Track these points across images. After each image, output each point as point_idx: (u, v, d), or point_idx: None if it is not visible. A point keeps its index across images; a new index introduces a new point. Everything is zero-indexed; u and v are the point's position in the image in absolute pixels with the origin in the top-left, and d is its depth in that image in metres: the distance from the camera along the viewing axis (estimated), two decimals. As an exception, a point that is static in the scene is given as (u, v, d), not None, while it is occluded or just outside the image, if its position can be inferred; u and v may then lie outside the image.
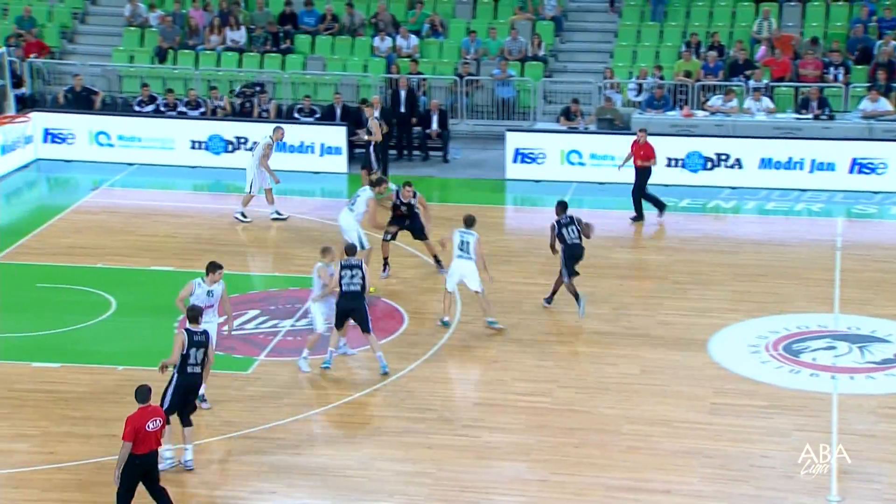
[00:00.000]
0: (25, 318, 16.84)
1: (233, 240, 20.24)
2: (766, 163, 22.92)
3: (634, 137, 21.16)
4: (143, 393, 11.76)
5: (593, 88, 25.55)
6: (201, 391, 13.69)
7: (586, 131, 23.96)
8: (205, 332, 13.10)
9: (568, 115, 24.35)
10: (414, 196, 18.18)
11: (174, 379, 12.94)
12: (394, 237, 18.29)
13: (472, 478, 13.07)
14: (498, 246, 19.86)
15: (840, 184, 22.62)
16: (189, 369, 12.95)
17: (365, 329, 15.25)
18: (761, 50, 25.79)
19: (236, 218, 20.73)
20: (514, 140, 23.55)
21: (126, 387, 14.80)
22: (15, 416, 14.15)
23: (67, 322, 16.69)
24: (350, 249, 15.47)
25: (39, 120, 24.03)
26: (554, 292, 17.34)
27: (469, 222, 16.67)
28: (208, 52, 26.80)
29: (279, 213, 20.84)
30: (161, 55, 26.81)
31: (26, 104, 24.99)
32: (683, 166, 23.05)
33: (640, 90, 25.19)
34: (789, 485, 12.92)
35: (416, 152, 24.88)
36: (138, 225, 20.78)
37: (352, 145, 23.90)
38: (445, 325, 16.72)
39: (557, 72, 26.72)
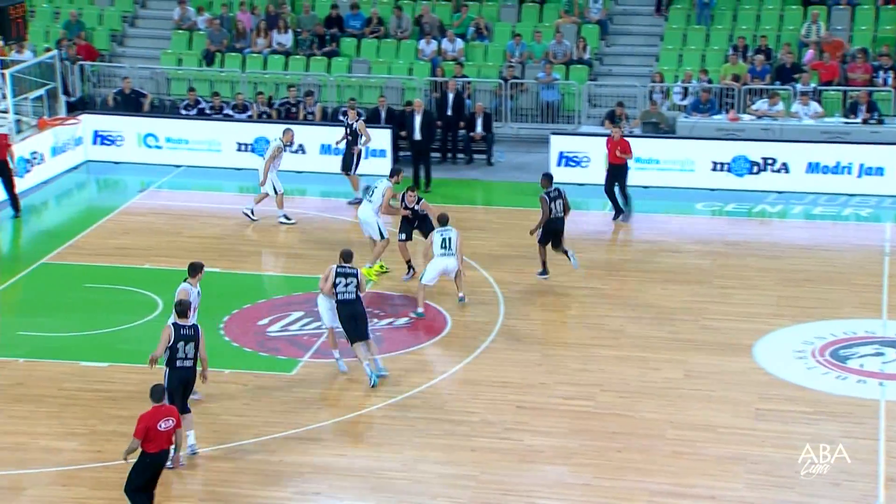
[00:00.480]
0: (74, 317, 17.04)
1: (277, 241, 20.37)
2: (813, 167, 22.70)
3: (609, 135, 21.25)
4: (157, 392, 11.93)
5: (638, 92, 25.43)
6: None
7: (631, 135, 23.84)
8: (193, 327, 13.22)
9: (612, 118, 24.24)
10: (418, 202, 18.22)
11: (166, 374, 13.10)
12: (409, 237, 18.32)
13: (514, 481, 13.05)
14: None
15: (889, 188, 22.34)
16: (178, 363, 13.06)
17: (364, 335, 15.05)
18: (808, 53, 25.55)
19: (281, 222, 20.83)
20: (559, 143, 23.49)
21: (172, 386, 14.96)
22: (64, 415, 14.32)
23: (115, 322, 16.87)
24: (347, 256, 15.34)
25: (89, 122, 24.31)
26: (544, 263, 18.19)
27: (444, 220, 17.25)
28: (255, 54, 26.99)
29: (288, 218, 20.77)
30: (208, 58, 27.04)
31: (76, 106, 25.29)
32: (729, 170, 22.89)
33: (685, 94, 25.05)
34: (836, 492, 12.78)
35: (460, 155, 24.89)
36: (185, 226, 20.97)
37: (396, 148, 23.96)
38: (420, 315, 16.94)
39: (602, 75, 26.63)
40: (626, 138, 21.25)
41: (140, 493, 11.91)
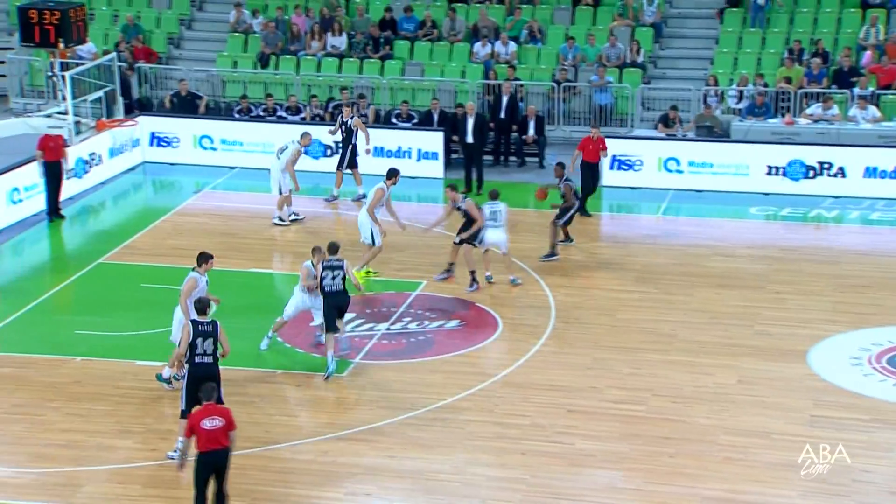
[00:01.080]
0: (130, 317, 17.25)
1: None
2: (870, 172, 22.40)
3: (588, 136, 21.49)
4: (206, 391, 12.00)
5: (692, 95, 25.25)
6: (166, 373, 14.03)
7: (685, 138, 23.70)
8: (212, 323, 13.33)
9: (666, 122, 24.11)
10: (463, 201, 18.21)
11: (186, 370, 13.21)
12: (463, 241, 18.22)
13: (565, 485, 13.02)
14: (592, 253, 19.77)
15: (948, 194, 22.02)
16: (197, 359, 13.17)
17: (338, 328, 15.48)
18: (866, 56, 25.21)
19: (274, 223, 20.81)
20: (612, 147, 23.36)
21: (226, 386, 15.08)
22: (119, 413, 14.50)
23: (170, 322, 17.01)
24: (333, 248, 15.71)
25: (146, 124, 24.61)
26: (559, 241, 19.24)
27: (495, 195, 18.18)
28: (309, 57, 27.16)
29: (282, 220, 20.90)
30: (263, 60, 27.25)
31: (133, 108, 25.59)
32: (785, 175, 22.65)
33: (740, 97, 24.83)
34: (893, 501, 12.59)
35: (512, 158, 24.87)
36: (239, 227, 21.15)
37: (448, 151, 24.01)
38: (488, 280, 18.06)
39: (656, 78, 26.48)
40: (604, 138, 21.73)
41: (199, 492, 11.93)
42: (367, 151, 22.49)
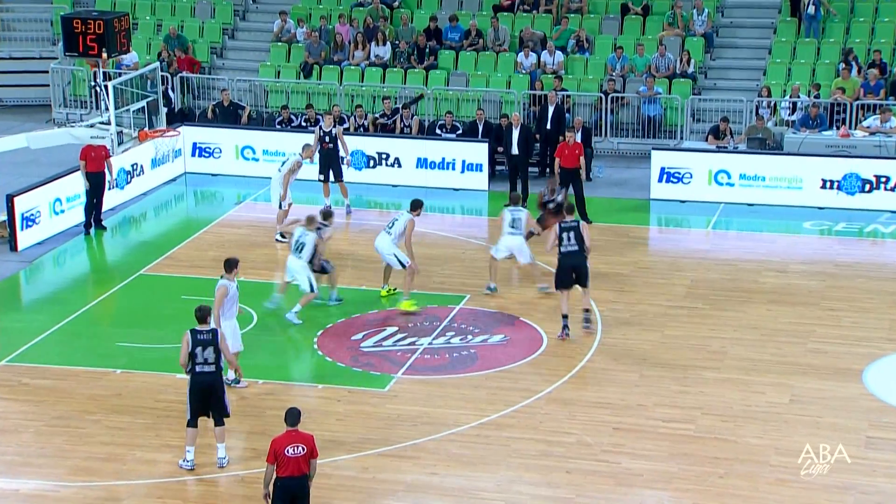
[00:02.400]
0: (171, 329, 17.35)
1: (371, 255, 20.48)
2: (929, 186, 22.16)
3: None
4: (291, 416, 11.96)
5: (744, 107, 25.10)
6: (231, 375, 13.90)
7: (736, 151, 23.55)
8: (212, 331, 13.45)
9: (717, 133, 23.96)
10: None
11: (188, 380, 13.41)
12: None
13: (611, 505, 12.96)
14: (640, 267, 19.68)
15: None
16: (198, 368, 13.32)
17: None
18: (925, 67, 24.97)
19: (277, 240, 20.71)
20: (660, 159, 23.29)
21: (267, 401, 15.21)
22: (160, 427, 14.62)
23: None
24: (326, 214, 18.14)
25: (188, 134, 24.84)
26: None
27: (516, 200, 18.68)
28: (353, 67, 27.32)
29: (283, 236, 20.63)
30: (307, 70, 27.45)
31: (176, 118, 25.83)
32: (840, 188, 22.44)
33: (793, 109, 24.65)
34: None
35: (558, 170, 24.81)
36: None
37: (493, 162, 24.03)
38: (492, 290, 18.14)
39: (707, 89, 26.34)
40: (579, 143, 21.81)
41: None
42: (347, 162, 22.51)
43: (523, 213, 18.48)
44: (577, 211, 19.69)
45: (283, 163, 21.25)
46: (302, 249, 17.49)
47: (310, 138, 22.52)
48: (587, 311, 17.02)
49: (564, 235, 16.78)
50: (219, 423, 13.51)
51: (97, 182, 21.45)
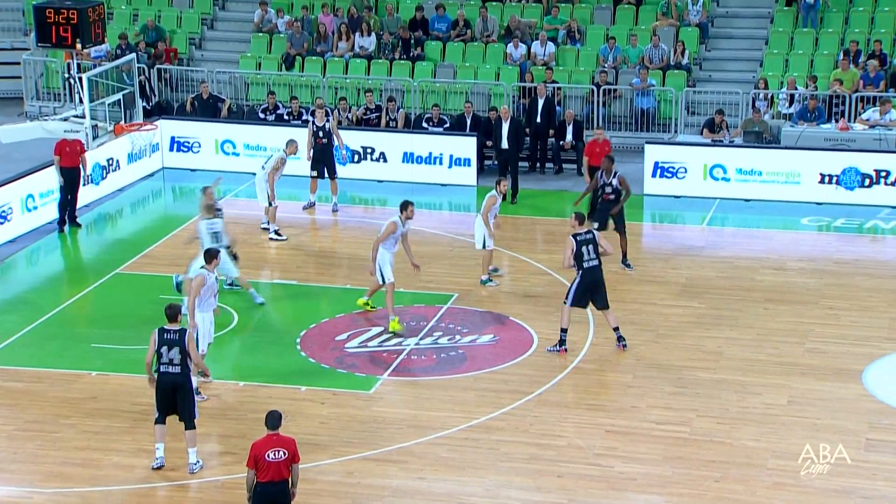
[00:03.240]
0: (148, 330, 17.17)
1: (352, 253, 20.47)
2: (930, 180, 22.23)
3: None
4: (272, 419, 11.92)
5: (740, 99, 25.15)
6: (193, 383, 13.97)
7: (732, 144, 23.60)
8: (180, 331, 13.50)
9: (712, 127, 24.01)
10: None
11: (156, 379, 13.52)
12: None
13: (604, 510, 12.97)
14: (634, 264, 19.67)
15: None
16: (162, 368, 13.42)
17: None
18: (927, 58, 25.04)
19: (271, 238, 20.67)
20: (654, 153, 23.32)
21: (247, 403, 15.19)
22: (136, 431, 14.58)
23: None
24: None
25: (166, 128, 24.78)
26: (624, 254, 19.06)
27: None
28: (336, 58, 27.27)
29: (279, 234, 20.74)
30: (289, 62, 27.39)
31: (153, 112, 25.77)
32: (839, 183, 22.50)
33: (791, 101, 24.70)
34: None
35: (549, 165, 24.85)
36: (262, 237, 21.21)
37: (481, 157, 24.03)
38: (494, 274, 18.66)
39: (702, 81, 26.39)
40: (609, 141, 21.78)
41: None
42: (344, 157, 22.51)
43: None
44: (615, 221, 19.14)
45: (267, 160, 21.16)
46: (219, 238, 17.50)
47: (293, 133, 22.48)
48: (617, 328, 16.60)
49: (584, 249, 16.03)
50: (189, 426, 13.52)
51: (72, 178, 21.38)
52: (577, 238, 16.20)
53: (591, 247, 16.19)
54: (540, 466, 13.80)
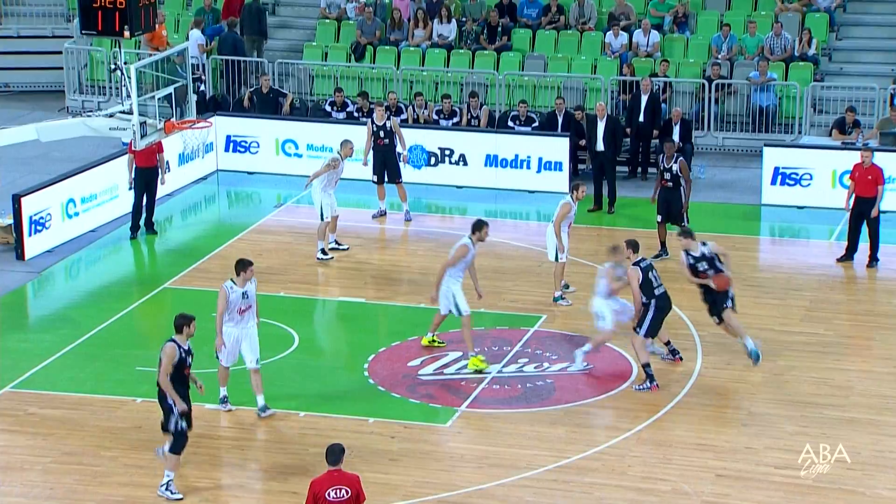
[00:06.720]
0: (199, 352, 17.45)
1: (426, 267, 20.46)
2: None
3: (856, 160, 20.34)
4: (333, 454, 11.93)
5: (876, 95, 24.87)
6: (260, 402, 14.59)
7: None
8: (165, 343, 14.02)
9: (842, 127, 23.77)
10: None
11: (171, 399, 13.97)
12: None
13: (713, 566, 12.88)
14: (750, 284, 19.52)
15: None
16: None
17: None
18: None
19: (318, 258, 20.49)
20: (774, 157, 23.16)
21: (309, 436, 15.31)
22: (185, 465, 14.70)
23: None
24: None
25: (221, 125, 25.09)
26: (662, 243, 19.98)
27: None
28: (412, 48, 27.45)
29: (325, 253, 20.55)
30: (359, 52, 27.63)
31: (207, 107, 26.05)
32: None
33: (935, 98, 24.38)
34: None
35: (651, 169, 24.73)
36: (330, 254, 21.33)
37: (575, 160, 24.00)
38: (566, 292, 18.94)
39: (831, 75, 26.16)
40: (877, 166, 20.39)
41: None
42: (404, 158, 22.58)
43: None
44: (670, 213, 20.07)
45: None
46: None
47: (352, 132, 22.58)
48: (668, 342, 16.99)
49: (651, 276, 16.37)
50: (171, 447, 13.90)
51: (148, 179, 21.73)
52: (643, 266, 16.40)
53: (655, 272, 16.53)
54: (639, 514, 13.75)
